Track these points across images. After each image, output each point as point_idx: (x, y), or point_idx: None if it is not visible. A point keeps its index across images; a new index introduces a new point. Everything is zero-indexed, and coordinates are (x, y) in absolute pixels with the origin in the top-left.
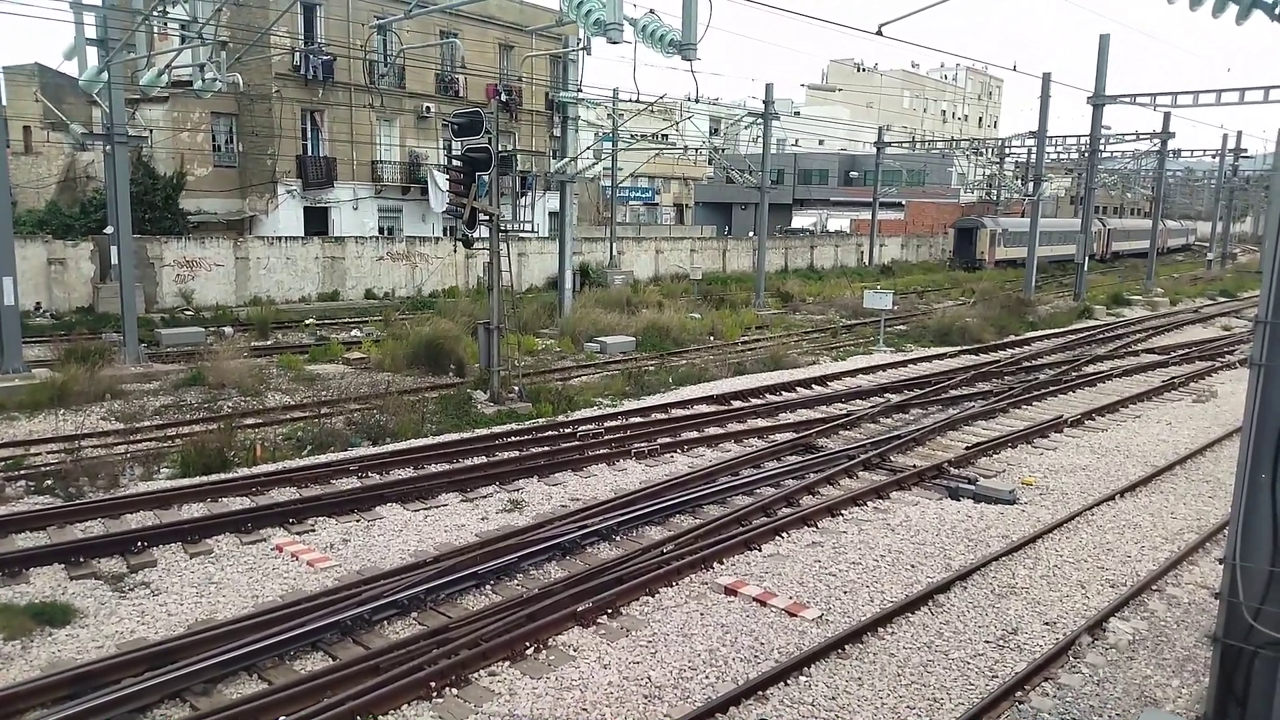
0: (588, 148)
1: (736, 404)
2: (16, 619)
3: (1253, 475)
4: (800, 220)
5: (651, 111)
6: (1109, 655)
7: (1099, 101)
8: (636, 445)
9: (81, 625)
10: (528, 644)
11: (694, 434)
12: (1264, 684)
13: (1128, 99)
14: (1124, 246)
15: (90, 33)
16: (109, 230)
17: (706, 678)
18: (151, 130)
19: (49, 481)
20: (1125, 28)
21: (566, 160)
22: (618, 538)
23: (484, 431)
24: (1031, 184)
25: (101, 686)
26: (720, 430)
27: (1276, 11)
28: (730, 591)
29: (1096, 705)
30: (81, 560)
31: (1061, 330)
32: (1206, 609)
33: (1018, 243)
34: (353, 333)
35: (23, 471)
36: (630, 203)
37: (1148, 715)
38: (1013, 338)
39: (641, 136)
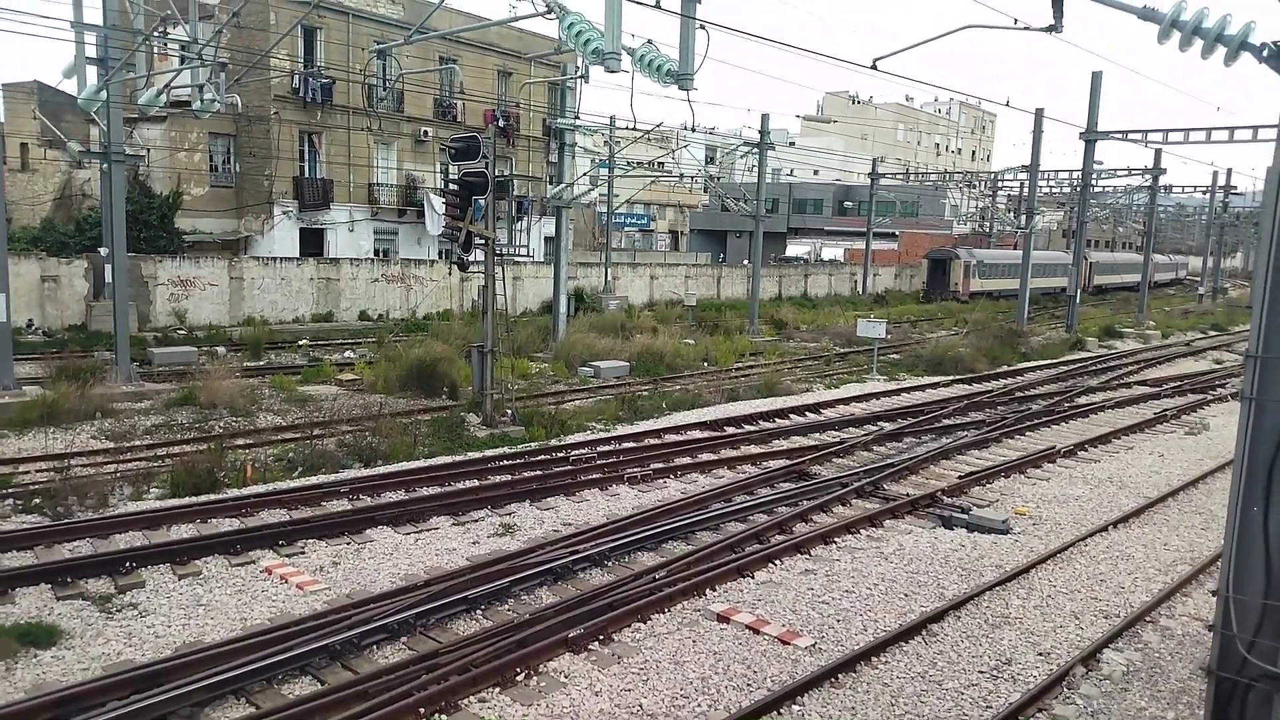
0: (584, 174)
1: (730, 430)
2: (1, 640)
3: (1245, 508)
4: (794, 249)
5: (648, 139)
6: (1103, 686)
7: (1091, 137)
8: (629, 470)
9: (67, 646)
10: (518, 670)
11: (687, 459)
12: (1258, 717)
13: (1120, 135)
14: (1107, 280)
15: (90, 51)
16: (104, 249)
17: (699, 706)
18: (149, 149)
19: (37, 500)
20: (1118, 66)
21: (563, 186)
22: (610, 563)
23: (476, 455)
24: (1024, 217)
25: (87, 709)
26: (713, 456)
27: (1263, 54)
28: (723, 619)
29: None
30: (69, 580)
31: (1054, 361)
32: (1201, 641)
33: (994, 274)
34: (346, 354)
35: (11, 490)
36: (626, 229)
37: None
38: (1005, 368)
39: (638, 164)
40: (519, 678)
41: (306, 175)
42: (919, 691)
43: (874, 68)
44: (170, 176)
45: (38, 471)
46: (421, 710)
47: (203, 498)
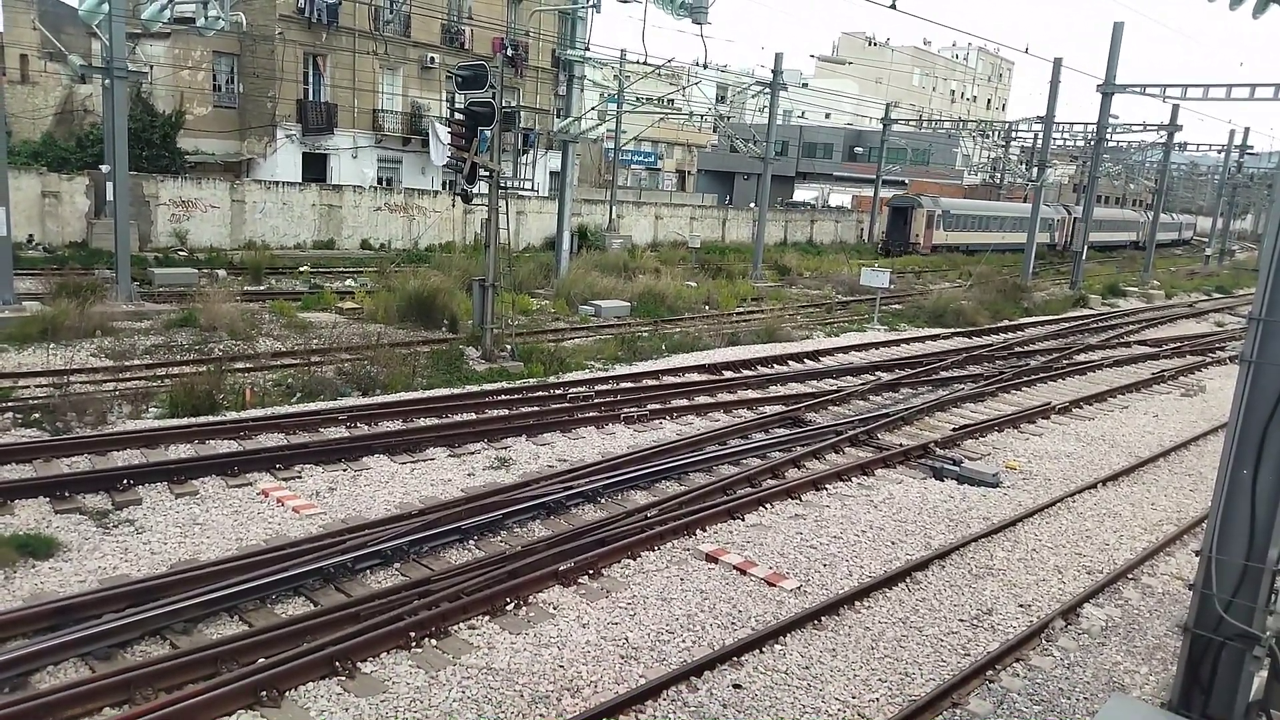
0: (592, 108)
1: (728, 374)
2: (1, 549)
3: (1235, 471)
4: (802, 194)
5: (659, 75)
6: (1081, 640)
7: (1109, 90)
8: (626, 410)
9: (65, 559)
10: (508, 600)
11: (684, 402)
12: (1229, 674)
13: (1137, 89)
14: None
15: None
16: (105, 166)
17: (683, 641)
18: (152, 66)
19: (36, 415)
20: (1139, 15)
21: (570, 120)
22: (602, 500)
23: (474, 388)
24: (1036, 169)
25: (83, 620)
26: (710, 399)
27: None
28: (711, 559)
29: (1065, 688)
30: (67, 495)
31: (1055, 318)
32: (1179, 599)
33: (961, 226)
34: (347, 282)
35: (10, 404)
36: (632, 166)
37: (1114, 700)
38: (1006, 322)
39: (647, 100)
40: (509, 607)
41: (310, 99)
42: (899, 636)
43: (893, 7)
44: (173, 95)
45: (37, 387)
46: (412, 634)
47: (201, 419)
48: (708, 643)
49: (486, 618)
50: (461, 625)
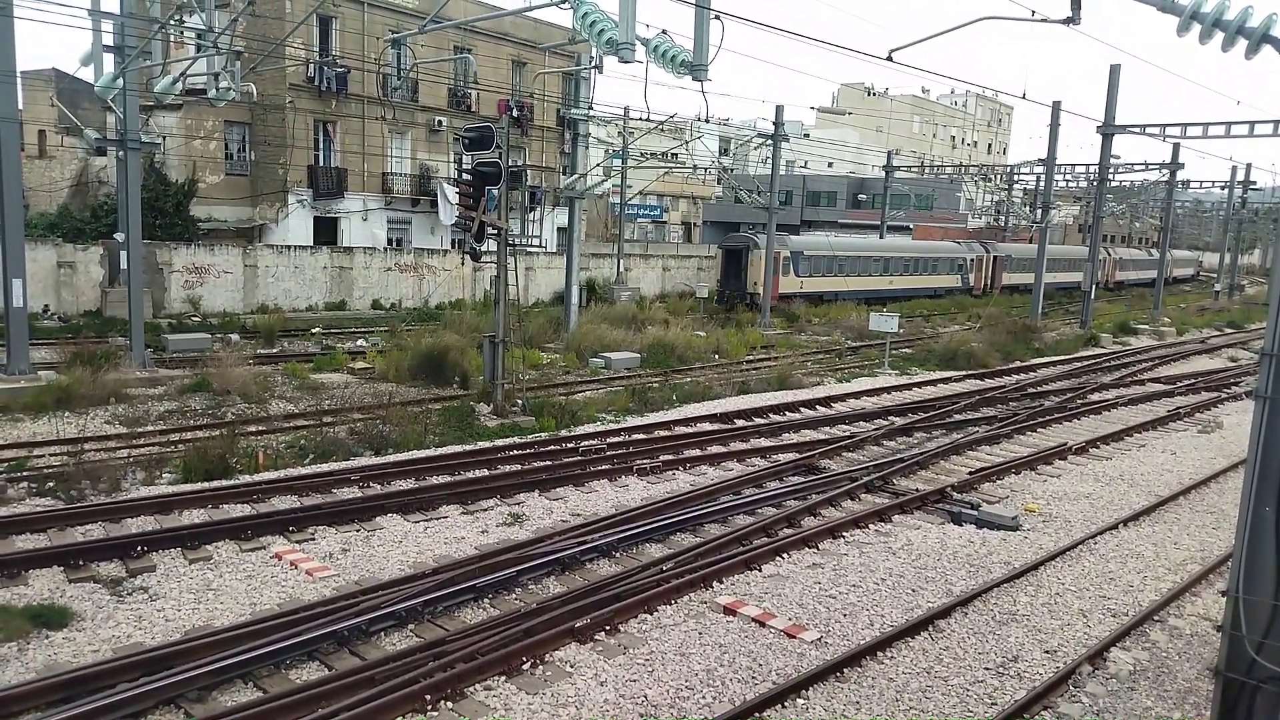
0: (597, 164)
1: (740, 423)
2: (14, 621)
3: (1257, 508)
4: None
5: (661, 130)
6: (1110, 685)
7: (1108, 131)
8: (639, 462)
9: (79, 629)
10: (524, 659)
11: (696, 452)
12: (1266, 719)
13: (1137, 129)
14: (1019, 279)
15: (107, 39)
16: (119, 235)
17: (703, 697)
18: (165, 137)
19: (51, 484)
20: (1136, 59)
21: (576, 176)
22: (617, 554)
23: (486, 444)
24: (1039, 211)
25: (96, 691)
26: (723, 449)
27: None
28: (729, 611)
29: None
30: (81, 563)
31: (1067, 357)
32: (1209, 641)
33: (824, 270)
34: (358, 342)
35: (25, 473)
36: (638, 220)
37: None
38: (1018, 363)
39: (651, 155)
40: (525, 667)
41: (321, 164)
42: (924, 687)
43: (889, 59)
44: (186, 164)
45: (52, 455)
46: (428, 697)
47: (215, 483)
48: (728, 698)
49: (503, 678)
50: (478, 686)
